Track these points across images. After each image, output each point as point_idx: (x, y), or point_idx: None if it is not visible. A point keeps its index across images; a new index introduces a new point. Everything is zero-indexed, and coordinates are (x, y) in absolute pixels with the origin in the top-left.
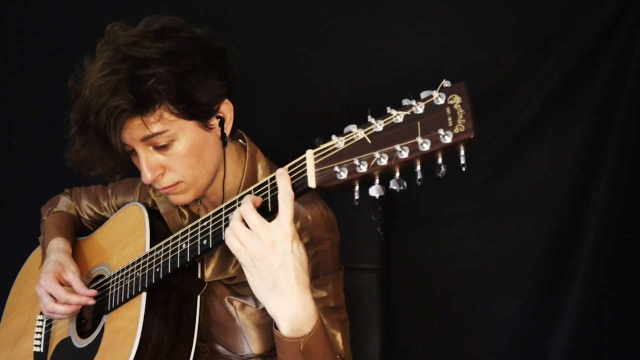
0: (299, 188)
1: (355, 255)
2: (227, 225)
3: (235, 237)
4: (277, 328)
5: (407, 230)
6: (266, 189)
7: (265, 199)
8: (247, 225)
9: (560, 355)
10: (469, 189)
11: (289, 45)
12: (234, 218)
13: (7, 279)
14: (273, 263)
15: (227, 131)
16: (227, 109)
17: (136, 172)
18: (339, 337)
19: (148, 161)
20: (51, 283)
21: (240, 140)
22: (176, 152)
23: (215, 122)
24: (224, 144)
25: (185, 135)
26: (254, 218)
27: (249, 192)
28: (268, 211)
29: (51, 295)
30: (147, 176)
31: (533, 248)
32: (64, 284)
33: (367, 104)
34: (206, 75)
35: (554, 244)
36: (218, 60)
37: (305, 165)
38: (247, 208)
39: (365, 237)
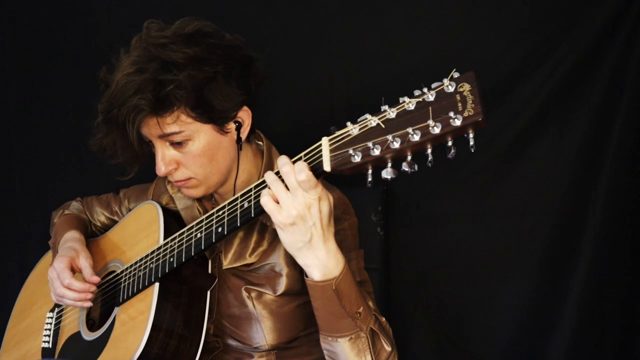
0: (315, 172)
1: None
2: (243, 210)
3: (270, 198)
4: (307, 276)
5: (407, 230)
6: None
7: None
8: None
9: (561, 355)
10: (469, 188)
11: (288, 43)
12: (272, 180)
13: (7, 279)
14: (308, 221)
15: (243, 136)
16: (245, 116)
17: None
18: (370, 303)
19: (163, 155)
20: (62, 266)
21: (257, 142)
22: (190, 151)
23: (232, 126)
24: (239, 148)
25: (200, 137)
26: (293, 181)
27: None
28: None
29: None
30: (161, 169)
31: (533, 248)
32: (75, 269)
33: (367, 104)
34: (226, 83)
35: (554, 244)
36: (241, 69)
37: (320, 150)
38: (303, 166)
39: (365, 237)
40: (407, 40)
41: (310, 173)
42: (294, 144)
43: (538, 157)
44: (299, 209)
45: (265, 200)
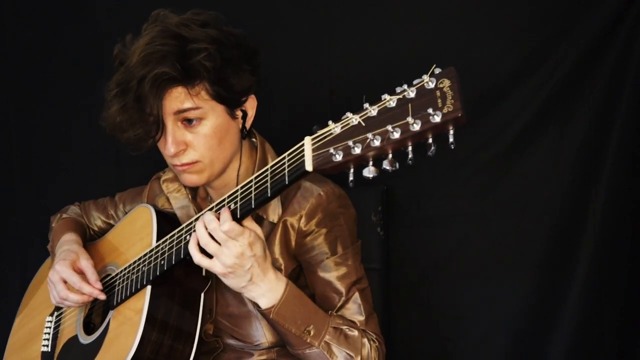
0: (297, 172)
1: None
2: (230, 211)
3: (200, 254)
4: (256, 305)
5: (407, 230)
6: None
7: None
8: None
9: (561, 355)
10: (469, 188)
11: (288, 41)
12: (201, 236)
13: (7, 280)
14: (245, 266)
15: (248, 125)
16: (251, 105)
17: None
18: (355, 307)
19: (174, 135)
20: (66, 269)
21: (252, 139)
22: (202, 131)
23: (239, 114)
24: (243, 137)
25: (213, 117)
26: (221, 234)
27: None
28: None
29: (64, 282)
30: (170, 149)
31: (533, 248)
32: (77, 271)
33: (366, 100)
34: (241, 68)
35: (554, 244)
36: (251, 58)
37: (303, 150)
38: (225, 217)
39: (365, 237)
40: (407, 39)
41: (233, 223)
42: (293, 138)
43: (538, 157)
44: (233, 260)
45: (199, 259)
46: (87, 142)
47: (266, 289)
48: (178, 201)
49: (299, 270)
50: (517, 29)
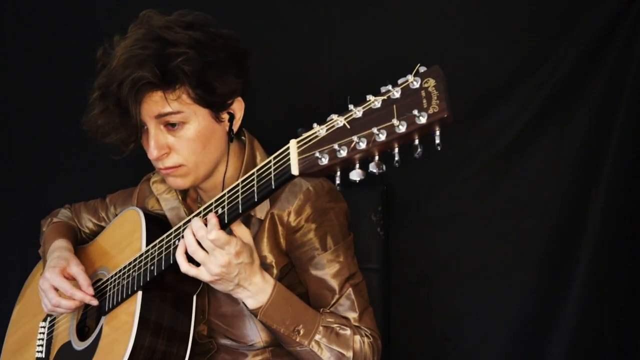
0: (283, 176)
1: (355, 255)
2: (217, 215)
3: (187, 263)
4: (245, 305)
5: (407, 230)
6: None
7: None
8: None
9: (561, 355)
10: (469, 189)
11: (288, 41)
12: (189, 244)
13: (7, 280)
14: (232, 273)
15: (235, 128)
16: (238, 107)
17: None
18: (349, 304)
19: (157, 139)
20: (56, 276)
21: (242, 137)
22: (185, 134)
23: (225, 117)
24: (230, 140)
25: (197, 120)
26: (209, 243)
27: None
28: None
29: (55, 290)
30: (153, 153)
31: (533, 248)
32: (68, 278)
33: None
34: (226, 70)
35: (554, 244)
36: (239, 60)
37: (288, 154)
38: (212, 226)
39: (365, 237)
40: (407, 39)
41: (220, 232)
42: (292, 136)
43: (538, 157)
44: (220, 269)
45: (186, 268)
46: (87, 142)
47: (253, 291)
48: (168, 203)
49: (291, 266)
50: (517, 29)
